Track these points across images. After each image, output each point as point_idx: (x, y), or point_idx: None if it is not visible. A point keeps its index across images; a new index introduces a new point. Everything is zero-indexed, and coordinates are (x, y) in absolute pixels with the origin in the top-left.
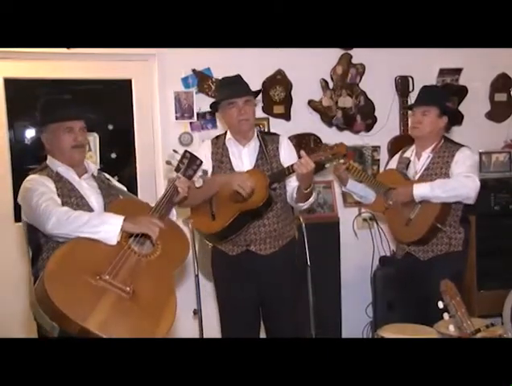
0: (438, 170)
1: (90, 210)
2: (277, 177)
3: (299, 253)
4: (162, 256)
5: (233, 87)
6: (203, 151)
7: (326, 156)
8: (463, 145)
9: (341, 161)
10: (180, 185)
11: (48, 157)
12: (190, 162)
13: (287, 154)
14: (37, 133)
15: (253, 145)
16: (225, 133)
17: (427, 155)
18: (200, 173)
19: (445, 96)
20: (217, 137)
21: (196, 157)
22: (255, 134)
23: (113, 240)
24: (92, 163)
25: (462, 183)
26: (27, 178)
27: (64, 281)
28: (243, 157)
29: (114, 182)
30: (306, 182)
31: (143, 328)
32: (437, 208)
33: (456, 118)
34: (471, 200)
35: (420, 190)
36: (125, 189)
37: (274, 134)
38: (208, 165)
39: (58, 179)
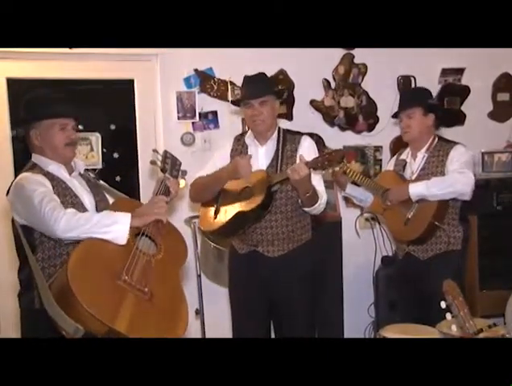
0: (434, 169)
1: (84, 209)
2: (277, 180)
3: (312, 253)
4: (166, 257)
5: (250, 87)
6: (224, 148)
7: (322, 162)
8: (457, 143)
9: (336, 169)
10: (172, 185)
11: (34, 155)
12: (173, 163)
13: (305, 156)
14: (24, 128)
15: (272, 145)
16: (249, 130)
17: (422, 155)
18: (180, 173)
19: (426, 95)
20: (242, 133)
21: (176, 157)
22: (275, 133)
23: (123, 239)
24: (94, 163)
25: (456, 179)
26: (19, 176)
27: (88, 281)
28: (259, 156)
29: (100, 180)
30: (301, 188)
31: (165, 329)
32: (434, 206)
33: (444, 114)
34: (466, 196)
35: (416, 189)
36: (110, 187)
37: (298, 133)
38: (225, 161)
39: (51, 178)
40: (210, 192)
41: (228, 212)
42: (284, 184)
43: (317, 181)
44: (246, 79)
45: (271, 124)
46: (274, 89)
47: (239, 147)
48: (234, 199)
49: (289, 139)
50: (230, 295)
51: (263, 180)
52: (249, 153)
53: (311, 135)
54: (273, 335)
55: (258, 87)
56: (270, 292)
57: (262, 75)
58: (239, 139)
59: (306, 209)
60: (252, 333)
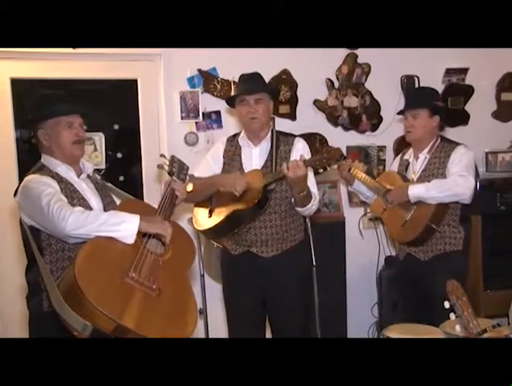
0: (435, 170)
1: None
2: (272, 179)
3: (305, 254)
4: (174, 257)
5: (246, 84)
6: (216, 149)
7: (320, 160)
8: (458, 144)
9: (335, 167)
10: (178, 188)
11: (44, 156)
12: (180, 167)
13: (299, 157)
14: (32, 129)
15: (266, 145)
16: (241, 131)
17: (424, 156)
18: (188, 177)
19: (434, 96)
20: (234, 135)
21: (183, 162)
22: (269, 134)
23: (131, 238)
24: (98, 163)
25: (456, 183)
26: (27, 178)
27: (95, 278)
28: (253, 157)
29: (108, 183)
30: (297, 186)
31: (174, 327)
32: (432, 209)
33: (449, 116)
34: (466, 200)
35: (415, 191)
36: (118, 189)
37: (291, 135)
38: (218, 163)
39: (59, 180)
40: (203, 195)
41: (223, 211)
42: (279, 184)
43: (311, 182)
44: (242, 77)
45: (266, 123)
46: (269, 88)
47: (232, 148)
48: (230, 198)
49: (282, 140)
50: (225, 297)
51: (259, 179)
52: (242, 154)
53: (314, 135)
54: (268, 336)
55: (254, 84)
56: (264, 292)
57: (257, 74)
58: (231, 140)
59: (298, 209)
60: (247, 334)
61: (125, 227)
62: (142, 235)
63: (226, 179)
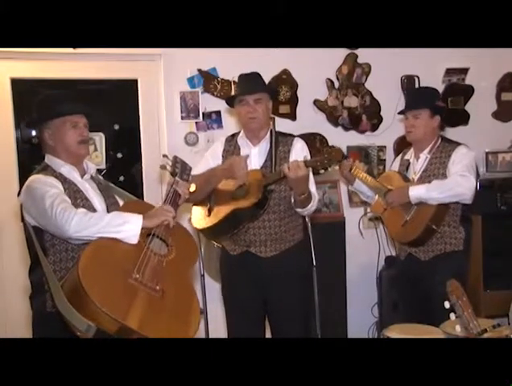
0: (436, 170)
1: (95, 212)
2: (273, 179)
3: (304, 254)
4: (177, 258)
5: (246, 84)
6: (215, 148)
7: (321, 161)
8: (459, 144)
9: (336, 168)
10: (181, 188)
11: (48, 156)
12: (182, 167)
13: (298, 158)
14: (36, 130)
15: (265, 145)
16: (240, 131)
17: (424, 156)
18: (190, 178)
19: (434, 96)
20: (233, 135)
21: (185, 162)
22: (268, 134)
23: (135, 238)
24: (98, 163)
25: (457, 183)
26: (31, 178)
27: (99, 279)
28: (252, 157)
29: (109, 183)
30: (298, 188)
31: (177, 327)
32: (432, 209)
33: (450, 116)
34: (467, 200)
35: (416, 192)
36: (121, 190)
37: (290, 136)
38: (217, 162)
39: (63, 180)
40: (203, 192)
41: (222, 210)
42: (278, 184)
43: (310, 182)
44: (241, 77)
45: (265, 123)
46: (269, 88)
47: (231, 148)
48: (229, 197)
49: (281, 140)
50: (224, 297)
51: (259, 179)
52: (241, 154)
53: (314, 135)
54: (268, 336)
55: (253, 84)
56: (263, 292)
57: (256, 74)
58: (230, 140)
59: (298, 210)
60: (247, 334)
61: (128, 227)
62: (145, 235)
63: (225, 166)
